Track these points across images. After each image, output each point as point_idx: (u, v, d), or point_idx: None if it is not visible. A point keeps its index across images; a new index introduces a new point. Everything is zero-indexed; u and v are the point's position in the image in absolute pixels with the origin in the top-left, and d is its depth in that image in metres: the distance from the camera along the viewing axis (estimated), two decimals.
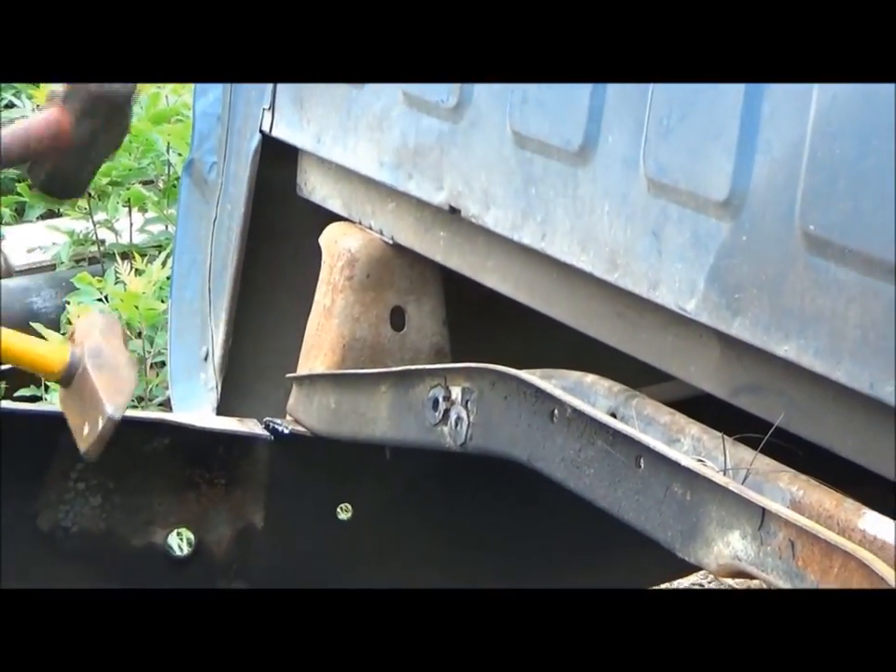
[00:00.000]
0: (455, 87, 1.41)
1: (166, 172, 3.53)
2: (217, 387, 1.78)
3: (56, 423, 1.63)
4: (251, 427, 1.63)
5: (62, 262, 3.55)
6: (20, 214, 4.03)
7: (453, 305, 1.66)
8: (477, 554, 1.69)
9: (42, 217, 3.98)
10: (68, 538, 1.66)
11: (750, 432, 1.26)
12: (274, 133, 1.72)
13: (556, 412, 1.31)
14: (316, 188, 1.72)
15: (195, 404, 1.84)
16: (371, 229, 1.61)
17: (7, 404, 2.60)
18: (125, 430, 1.58)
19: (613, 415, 1.34)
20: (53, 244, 3.64)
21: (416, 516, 1.77)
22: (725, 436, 1.25)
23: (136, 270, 3.00)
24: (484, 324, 1.72)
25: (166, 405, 2.87)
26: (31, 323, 3.14)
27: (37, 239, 3.76)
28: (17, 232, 3.83)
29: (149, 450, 1.64)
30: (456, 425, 1.45)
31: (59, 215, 3.86)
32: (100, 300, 3.10)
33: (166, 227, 3.44)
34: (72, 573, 1.70)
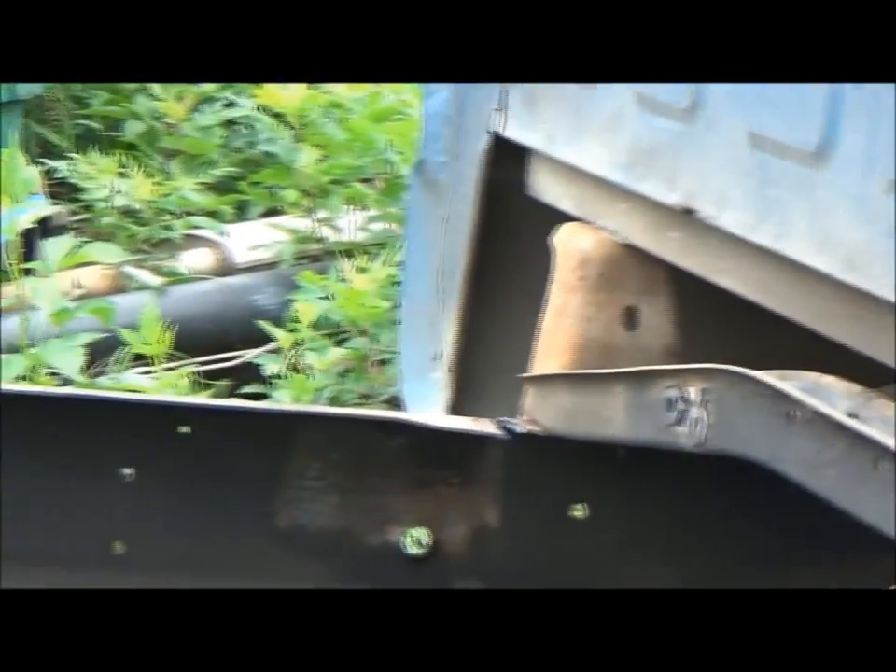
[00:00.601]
0: (689, 87, 1.45)
1: (386, 170, 3.70)
2: (448, 387, 1.88)
3: (292, 420, 1.74)
4: (486, 426, 1.69)
5: (284, 260, 3.71)
6: (241, 212, 4.19)
7: (684, 306, 1.67)
8: (714, 554, 1.70)
9: (263, 216, 4.15)
10: (306, 536, 1.73)
11: None
12: (505, 134, 1.79)
13: (795, 413, 1.32)
14: (548, 188, 1.78)
15: (427, 403, 1.94)
16: (603, 229, 1.65)
17: (236, 402, 2.79)
18: (363, 429, 1.73)
19: (853, 416, 1.38)
20: (275, 241, 3.85)
21: (652, 516, 1.78)
22: None
23: (359, 268, 3.13)
24: (715, 325, 1.73)
25: (390, 403, 2.98)
26: (255, 321, 3.41)
27: (259, 237, 3.93)
28: (239, 230, 4.00)
29: (386, 449, 1.71)
30: (694, 425, 1.47)
31: (280, 213, 4.11)
32: (324, 297, 3.28)
33: (387, 225, 3.60)
34: (311, 571, 1.77)
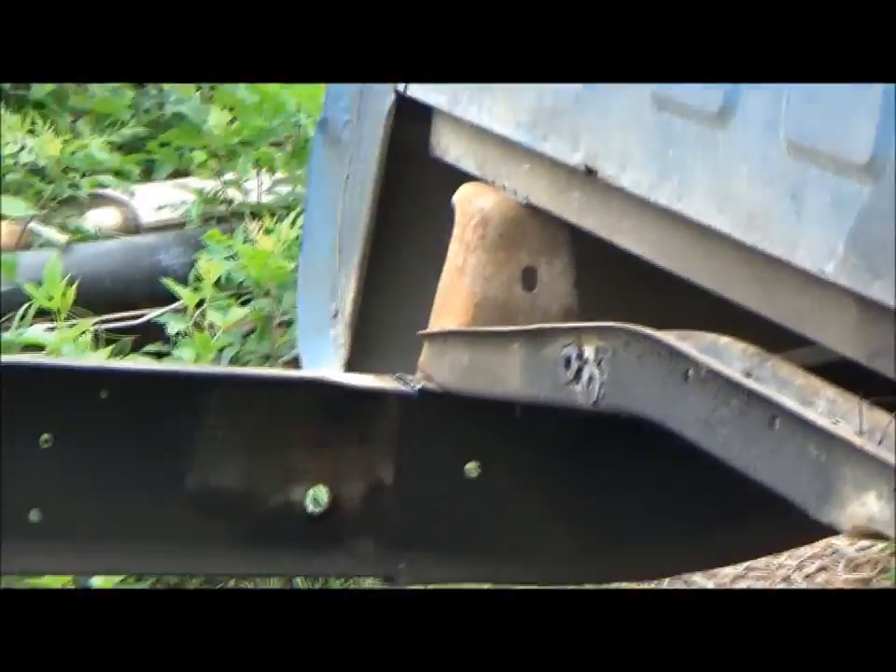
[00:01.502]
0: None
1: (296, 132, 3.62)
2: (346, 344, 1.80)
3: (198, 381, 1.68)
4: (385, 382, 1.65)
5: (191, 221, 3.60)
6: (148, 173, 4.09)
7: (584, 268, 1.63)
8: (606, 513, 1.69)
9: (171, 176, 4.03)
10: (214, 497, 1.69)
11: (888, 396, 1.24)
12: (409, 93, 1.73)
13: (691, 372, 1.31)
14: (450, 147, 1.72)
15: (324, 361, 1.87)
16: (504, 189, 1.61)
17: (145, 361, 2.70)
18: (266, 388, 1.71)
19: (748, 376, 1.35)
20: (182, 202, 3.76)
21: (546, 474, 1.76)
22: (861, 399, 1.23)
23: (265, 229, 3.05)
24: (614, 286, 1.71)
25: (292, 364, 2.90)
26: (160, 280, 3.29)
27: (166, 197, 3.84)
28: (146, 191, 3.89)
29: (287, 407, 1.68)
30: (589, 383, 1.44)
31: (188, 174, 4.00)
32: (229, 257, 3.20)
33: (294, 188, 3.50)
34: (219, 531, 1.70)
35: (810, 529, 1.46)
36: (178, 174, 4.01)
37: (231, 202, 3.56)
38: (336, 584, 2.84)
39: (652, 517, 1.79)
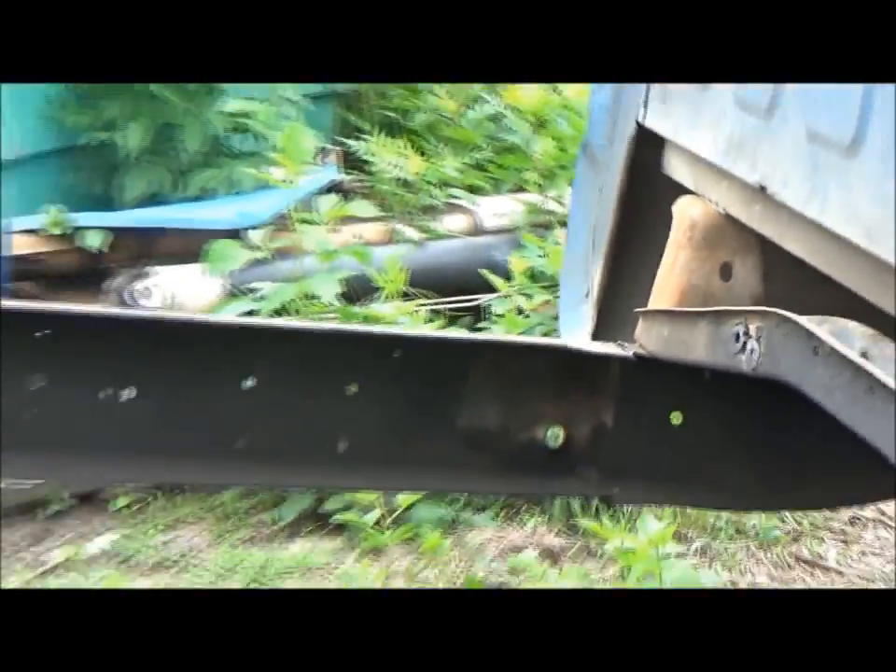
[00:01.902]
0: (769, 91, 1.57)
1: None
2: (593, 318, 2.05)
3: (470, 347, 1.89)
4: (609, 348, 1.88)
5: (519, 226, 4.11)
6: (494, 187, 4.61)
7: (769, 264, 1.80)
8: (780, 454, 1.87)
9: (510, 191, 4.56)
10: (477, 434, 1.89)
11: None
12: (646, 124, 1.93)
13: (819, 348, 1.44)
14: (675, 167, 1.92)
15: (577, 331, 2.09)
16: (709, 201, 1.78)
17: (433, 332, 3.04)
18: (521, 352, 1.91)
19: (864, 355, 1.51)
20: (513, 211, 4.21)
21: (735, 421, 1.96)
22: None
23: None
24: (789, 280, 1.78)
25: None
26: (485, 270, 3.75)
27: (502, 207, 4.30)
28: (490, 202, 4.41)
29: (536, 366, 1.91)
30: (750, 354, 1.57)
31: (522, 189, 4.47)
32: (540, 256, 3.63)
33: None
34: (481, 460, 1.91)
35: None
36: (516, 189, 4.45)
37: (551, 212, 4.00)
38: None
39: (817, 460, 1.97)
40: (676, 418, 1.85)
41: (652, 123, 1.87)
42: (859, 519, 3.70)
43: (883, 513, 3.70)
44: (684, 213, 1.79)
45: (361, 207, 3.62)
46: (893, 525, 3.68)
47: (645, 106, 1.91)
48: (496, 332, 3.20)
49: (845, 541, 3.56)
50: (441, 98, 4.77)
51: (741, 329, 1.62)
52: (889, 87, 1.38)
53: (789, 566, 3.32)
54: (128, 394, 1.66)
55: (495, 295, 3.58)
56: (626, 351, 1.84)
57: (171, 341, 1.72)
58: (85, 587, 3.18)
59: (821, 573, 3.25)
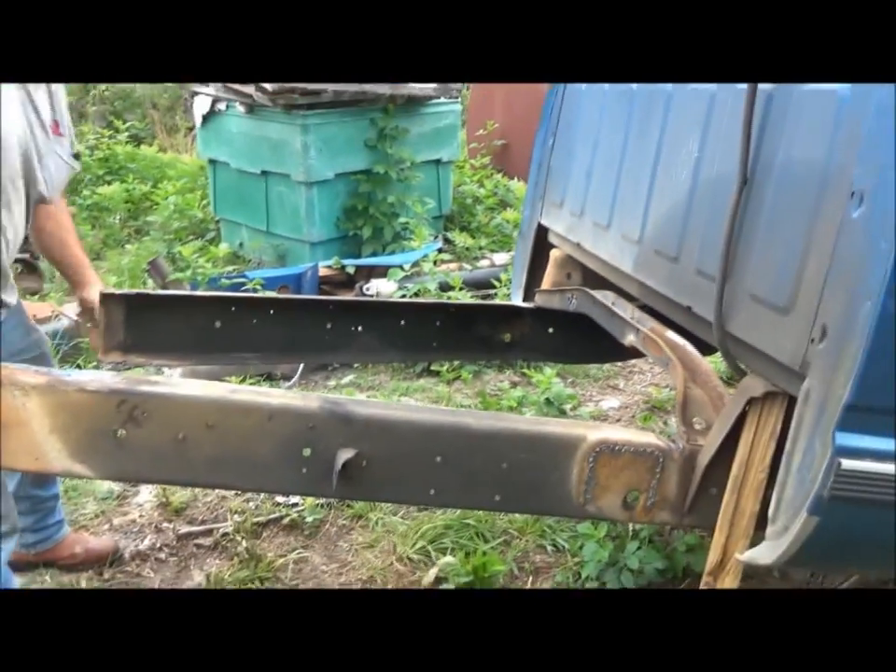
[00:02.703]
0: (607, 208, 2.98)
1: None
2: (522, 290, 3.98)
3: None
4: (525, 305, 3.76)
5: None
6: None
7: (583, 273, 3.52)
8: None
9: None
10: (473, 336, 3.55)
11: None
12: (542, 222, 3.72)
13: (595, 300, 3.23)
14: (553, 234, 3.63)
15: (516, 297, 3.86)
16: (567, 242, 3.44)
17: None
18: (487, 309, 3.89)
19: (613, 303, 3.13)
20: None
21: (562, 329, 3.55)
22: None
23: None
24: (588, 277, 3.42)
25: None
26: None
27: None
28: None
29: (498, 311, 4.05)
30: (572, 302, 3.40)
31: None
32: None
33: None
34: (470, 347, 3.65)
35: None
36: None
37: None
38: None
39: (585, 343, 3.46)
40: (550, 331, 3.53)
41: (545, 222, 3.59)
42: None
43: None
44: (553, 254, 3.55)
45: (447, 258, 6.81)
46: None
47: (541, 211, 3.63)
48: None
49: None
50: None
51: (570, 295, 3.33)
52: None
53: None
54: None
55: None
56: (531, 305, 3.50)
57: (356, 306, 3.42)
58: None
59: None
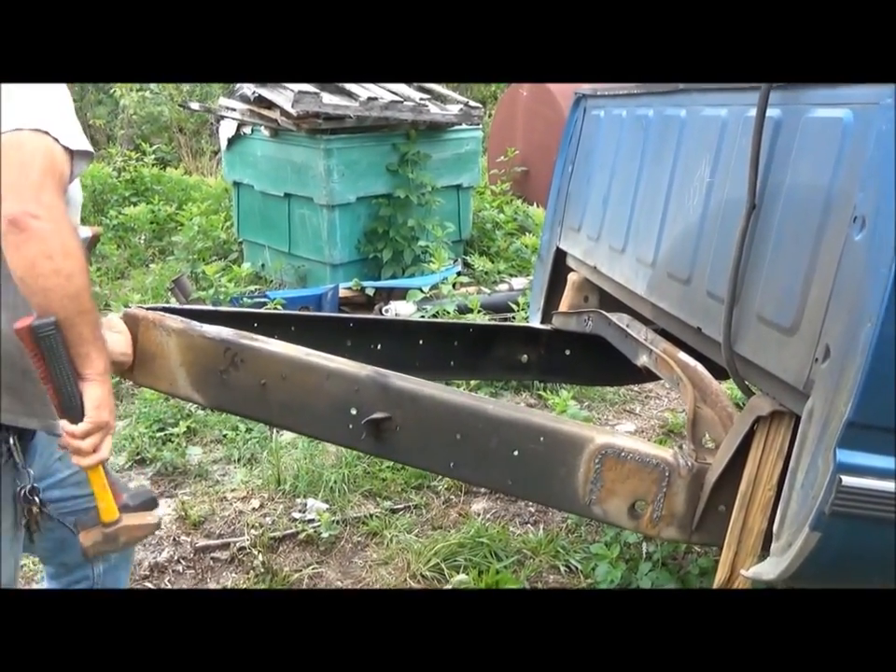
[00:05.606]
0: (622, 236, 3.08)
1: None
2: (540, 313, 4.34)
3: None
4: (543, 327, 3.92)
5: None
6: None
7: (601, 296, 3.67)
8: None
9: None
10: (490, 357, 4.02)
11: None
12: (561, 246, 3.80)
13: (611, 322, 3.44)
14: (570, 258, 3.77)
15: (534, 319, 3.96)
16: (583, 265, 3.85)
17: None
18: (504, 329, 3.99)
19: (627, 325, 3.33)
20: None
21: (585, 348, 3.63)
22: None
23: None
24: (605, 300, 3.46)
25: None
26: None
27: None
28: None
29: (517, 332, 4.13)
30: (588, 324, 3.56)
31: None
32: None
33: None
34: (488, 367, 4.12)
35: None
36: None
37: None
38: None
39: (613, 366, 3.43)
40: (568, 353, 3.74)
41: (563, 246, 3.73)
42: None
43: None
44: (570, 278, 3.79)
45: (466, 281, 6.89)
46: None
47: (560, 235, 3.77)
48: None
49: None
50: None
51: (586, 317, 3.54)
52: None
53: None
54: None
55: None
56: (548, 327, 3.64)
57: (376, 324, 3.54)
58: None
59: None
